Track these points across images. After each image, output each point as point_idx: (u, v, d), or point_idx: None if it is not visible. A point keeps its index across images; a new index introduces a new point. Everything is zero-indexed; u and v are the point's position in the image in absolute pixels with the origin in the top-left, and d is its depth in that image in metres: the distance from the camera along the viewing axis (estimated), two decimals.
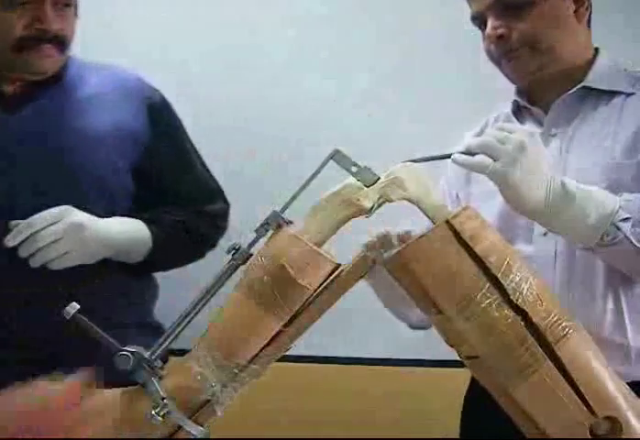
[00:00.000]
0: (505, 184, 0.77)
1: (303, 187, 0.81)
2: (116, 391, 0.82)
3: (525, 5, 0.97)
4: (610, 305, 0.97)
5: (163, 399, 0.77)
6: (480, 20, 1.03)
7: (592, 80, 1.01)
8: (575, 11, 1.01)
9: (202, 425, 0.79)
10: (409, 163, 0.80)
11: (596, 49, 1.06)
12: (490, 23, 0.99)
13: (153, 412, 0.76)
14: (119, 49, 1.24)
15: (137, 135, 1.19)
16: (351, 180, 0.79)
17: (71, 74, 1.17)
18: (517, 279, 0.73)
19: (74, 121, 1.14)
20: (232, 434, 1.14)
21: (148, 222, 1.18)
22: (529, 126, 1.03)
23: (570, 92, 1.01)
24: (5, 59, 1.06)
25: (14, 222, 1.03)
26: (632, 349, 0.96)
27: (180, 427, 0.78)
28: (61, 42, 1.08)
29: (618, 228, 0.80)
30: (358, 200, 0.78)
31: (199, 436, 0.79)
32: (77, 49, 1.19)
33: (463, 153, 0.79)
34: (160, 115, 1.22)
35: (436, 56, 1.17)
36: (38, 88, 1.12)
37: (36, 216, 1.03)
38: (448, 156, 0.80)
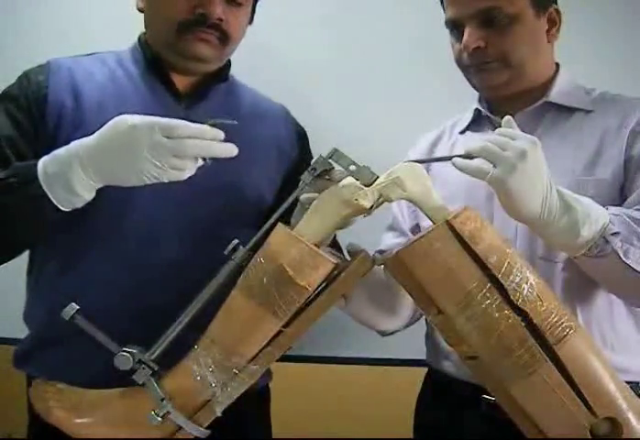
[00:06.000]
0: (503, 191, 0.77)
1: (303, 187, 0.81)
2: (117, 391, 0.82)
3: (506, 21, 0.98)
4: None
5: (163, 399, 0.77)
6: (454, 26, 1.03)
7: (554, 96, 1.02)
8: (548, 31, 1.02)
9: (202, 425, 0.79)
10: (410, 163, 0.80)
11: (557, 65, 1.07)
12: (468, 33, 1.00)
13: (153, 412, 0.76)
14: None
15: (291, 157, 1.14)
16: (350, 179, 0.79)
17: (230, 81, 1.14)
18: (517, 279, 0.73)
19: (242, 131, 0.94)
20: None
21: None
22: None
23: (533, 105, 1.02)
24: (168, 42, 1.03)
25: None
26: None
27: (180, 427, 0.78)
28: (222, 32, 1.03)
29: (607, 242, 0.80)
30: (357, 200, 0.78)
31: (199, 436, 0.79)
32: None
33: (463, 157, 0.79)
34: (305, 145, 1.18)
35: (436, 55, 1.18)
36: (207, 86, 1.08)
37: None
38: (449, 158, 0.80)
